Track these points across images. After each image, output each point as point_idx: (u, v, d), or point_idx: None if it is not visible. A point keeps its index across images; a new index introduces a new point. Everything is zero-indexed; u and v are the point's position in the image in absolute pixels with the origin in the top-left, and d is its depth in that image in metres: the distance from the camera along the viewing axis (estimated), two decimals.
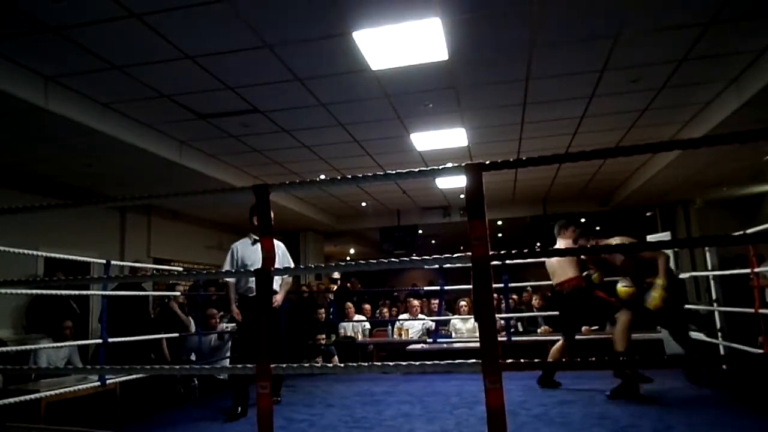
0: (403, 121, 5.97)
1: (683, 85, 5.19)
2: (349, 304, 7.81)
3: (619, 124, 6.32)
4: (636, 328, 4.30)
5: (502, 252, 1.59)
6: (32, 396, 3.72)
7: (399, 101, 5.38)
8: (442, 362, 1.70)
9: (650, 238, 6.03)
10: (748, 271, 4.74)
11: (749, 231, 4.58)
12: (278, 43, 4.12)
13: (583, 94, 5.36)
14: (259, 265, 3.94)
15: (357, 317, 7.70)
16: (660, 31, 4.15)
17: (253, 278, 3.82)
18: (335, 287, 9.84)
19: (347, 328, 7.51)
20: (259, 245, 3.97)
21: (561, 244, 4.61)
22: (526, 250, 1.63)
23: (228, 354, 6.06)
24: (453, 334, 7.04)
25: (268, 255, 1.84)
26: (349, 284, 10.99)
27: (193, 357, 5.83)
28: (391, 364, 1.70)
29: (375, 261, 1.76)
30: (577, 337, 4.74)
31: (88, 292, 5.91)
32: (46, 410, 3.92)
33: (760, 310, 4.39)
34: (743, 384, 4.37)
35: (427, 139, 6.61)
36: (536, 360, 1.58)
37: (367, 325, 7.75)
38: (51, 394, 3.92)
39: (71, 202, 7.02)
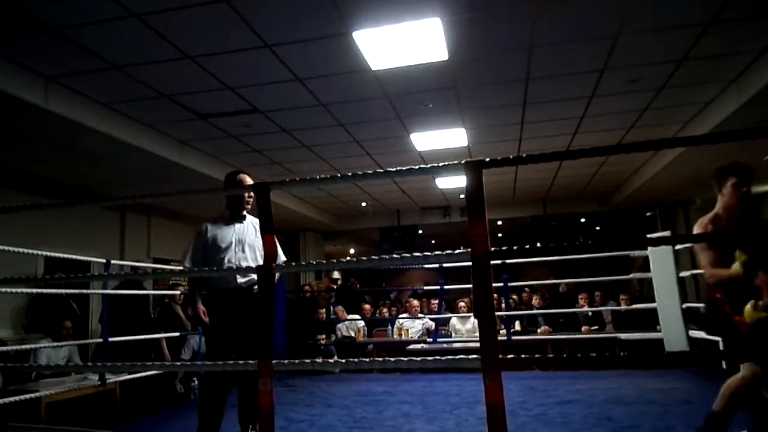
0: (403, 121, 5.97)
1: (683, 86, 5.19)
2: (340, 307, 7.80)
3: (619, 125, 6.32)
4: None
5: (503, 249, 1.60)
6: (32, 395, 3.72)
7: (399, 101, 5.38)
8: (442, 358, 1.70)
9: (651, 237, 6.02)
10: None
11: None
12: (278, 43, 4.12)
13: (583, 94, 5.37)
14: (236, 247, 3.25)
15: (351, 316, 7.69)
16: (660, 31, 4.15)
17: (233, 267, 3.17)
18: (336, 287, 9.83)
19: (342, 329, 7.51)
20: (236, 225, 3.34)
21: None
22: (527, 246, 1.63)
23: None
24: (453, 335, 7.05)
25: (270, 253, 1.84)
26: (348, 284, 10.99)
27: (186, 356, 5.82)
28: (392, 359, 1.69)
29: (376, 257, 1.77)
30: (577, 336, 4.66)
31: (89, 291, 5.91)
32: (46, 410, 3.92)
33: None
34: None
35: (427, 139, 6.61)
36: (536, 355, 1.58)
37: (361, 323, 7.71)
38: (51, 393, 3.93)
39: (70, 201, 7.03)
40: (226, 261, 3.23)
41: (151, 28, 3.80)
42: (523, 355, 1.50)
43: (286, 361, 1.81)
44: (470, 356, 1.55)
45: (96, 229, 7.64)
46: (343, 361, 1.73)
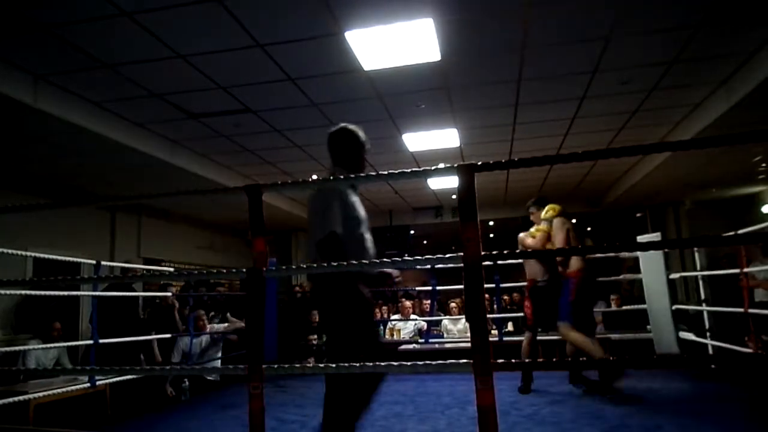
0: (395, 122, 5.97)
1: (673, 87, 5.23)
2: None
3: (610, 126, 6.36)
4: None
5: (494, 252, 1.60)
6: (21, 398, 3.68)
7: (391, 101, 5.38)
8: (433, 362, 1.71)
9: (640, 238, 6.08)
10: (736, 271, 4.78)
11: (741, 231, 4.62)
12: (270, 43, 4.11)
13: (575, 96, 5.39)
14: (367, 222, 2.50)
15: None
16: (651, 33, 4.18)
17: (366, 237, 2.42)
18: None
19: None
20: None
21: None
22: (518, 251, 1.64)
23: (219, 355, 6.03)
24: (444, 335, 7.06)
25: (260, 256, 1.84)
26: None
27: (176, 359, 5.78)
28: (382, 363, 1.70)
29: (367, 261, 1.76)
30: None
31: (78, 293, 5.86)
32: (34, 412, 3.88)
33: (750, 310, 4.43)
34: (732, 383, 4.41)
35: (419, 140, 6.62)
36: (527, 360, 1.59)
37: None
38: (40, 395, 3.88)
39: (59, 201, 6.97)
40: (367, 239, 2.47)
41: (143, 26, 3.77)
42: (513, 360, 1.50)
43: (276, 365, 1.80)
44: (461, 361, 1.55)
45: (86, 228, 7.58)
46: (334, 365, 1.73)
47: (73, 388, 4.16)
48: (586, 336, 4.09)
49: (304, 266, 2.07)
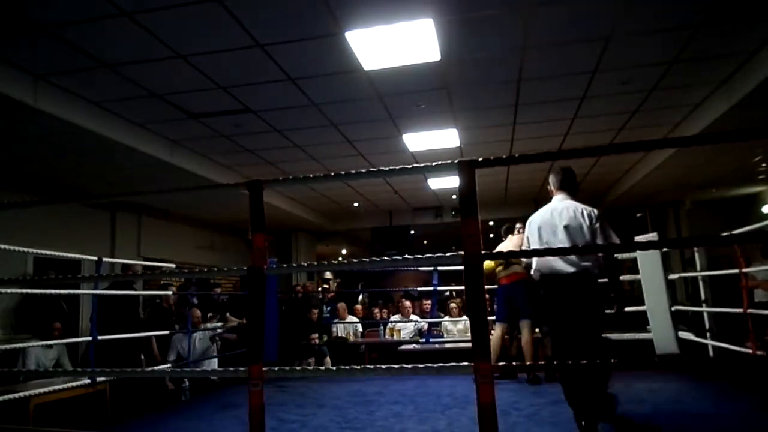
0: (395, 122, 5.97)
1: (673, 87, 5.24)
2: (343, 304, 7.80)
3: (610, 126, 6.36)
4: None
5: (494, 252, 1.60)
6: (21, 394, 3.68)
7: (391, 101, 5.38)
8: (434, 365, 1.71)
9: (638, 239, 6.07)
10: (736, 271, 4.77)
11: (736, 231, 4.62)
12: (270, 43, 4.11)
13: (575, 96, 5.39)
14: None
15: (349, 318, 7.70)
16: (651, 33, 4.18)
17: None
18: (327, 287, 9.83)
19: (339, 329, 7.51)
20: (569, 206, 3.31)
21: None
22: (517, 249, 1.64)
23: (215, 353, 6.03)
24: (444, 335, 7.06)
25: (260, 252, 1.84)
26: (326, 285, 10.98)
27: (172, 357, 5.77)
28: (383, 366, 1.70)
29: (368, 260, 1.76)
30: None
31: (79, 291, 5.85)
32: (34, 411, 3.88)
33: (749, 310, 4.42)
34: (732, 383, 4.41)
35: (419, 140, 6.62)
36: (528, 363, 1.58)
37: (359, 327, 7.75)
38: (39, 392, 3.87)
39: (56, 197, 6.96)
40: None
41: (143, 27, 3.77)
42: (514, 363, 1.50)
43: (276, 368, 1.80)
44: (462, 363, 1.55)
45: (86, 228, 7.58)
46: (335, 368, 1.73)
47: (73, 384, 4.14)
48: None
49: (305, 264, 2.07)
